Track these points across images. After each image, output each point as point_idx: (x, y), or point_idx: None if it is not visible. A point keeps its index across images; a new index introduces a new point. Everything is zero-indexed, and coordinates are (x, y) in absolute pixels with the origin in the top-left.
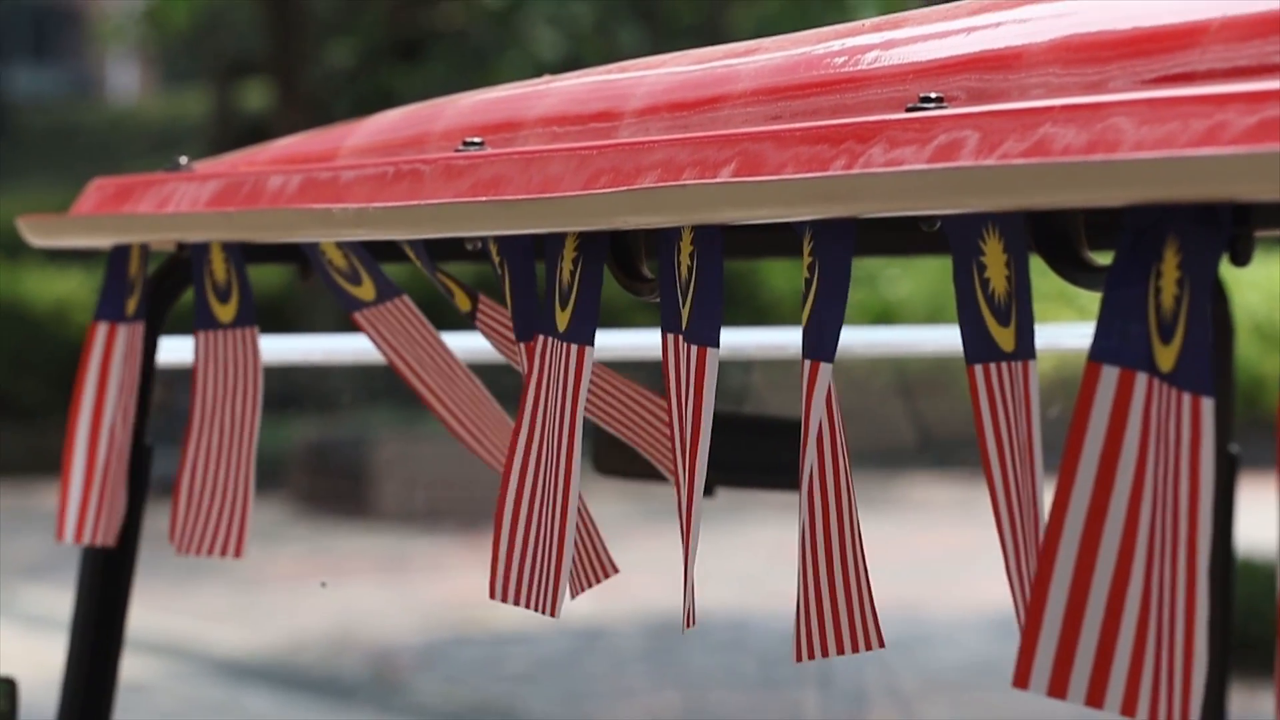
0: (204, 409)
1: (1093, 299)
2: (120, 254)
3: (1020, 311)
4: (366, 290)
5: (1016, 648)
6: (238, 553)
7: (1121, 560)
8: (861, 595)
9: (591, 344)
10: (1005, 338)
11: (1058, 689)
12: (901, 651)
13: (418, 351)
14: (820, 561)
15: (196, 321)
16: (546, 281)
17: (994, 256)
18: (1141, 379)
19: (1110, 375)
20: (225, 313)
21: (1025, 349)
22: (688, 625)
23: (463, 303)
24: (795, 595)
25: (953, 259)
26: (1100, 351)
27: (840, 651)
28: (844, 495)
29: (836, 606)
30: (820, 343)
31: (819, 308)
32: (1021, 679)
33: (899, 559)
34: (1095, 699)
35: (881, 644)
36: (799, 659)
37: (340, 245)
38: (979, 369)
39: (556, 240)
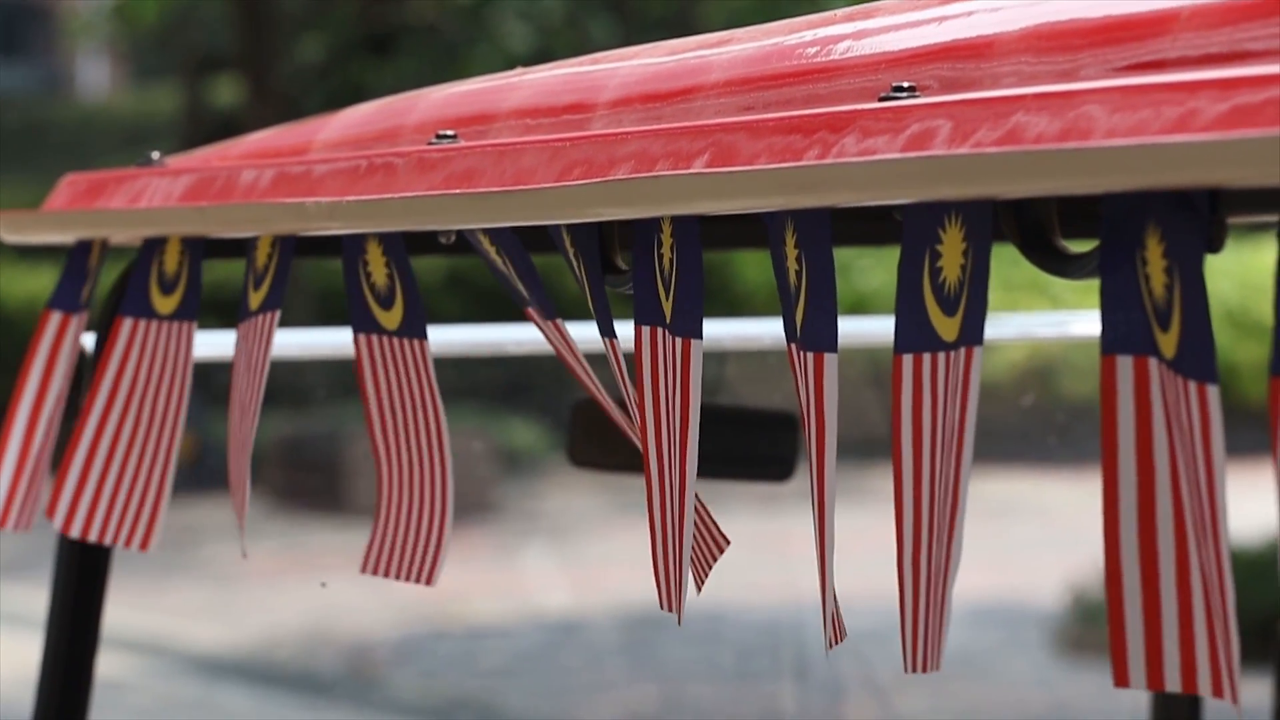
0: (120, 396)
1: (1066, 288)
2: (83, 247)
3: (971, 300)
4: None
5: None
6: (144, 545)
7: (1179, 543)
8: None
9: (615, 335)
10: (948, 327)
11: (1155, 681)
12: (877, 643)
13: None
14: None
15: (125, 308)
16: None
17: (951, 245)
18: (1154, 364)
19: (1125, 365)
20: (166, 305)
21: (971, 336)
22: (674, 608)
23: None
24: (822, 585)
25: (902, 246)
26: (1111, 344)
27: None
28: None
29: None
30: (822, 334)
31: (814, 300)
32: (1121, 678)
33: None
34: (1189, 684)
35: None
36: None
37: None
38: (908, 359)
39: (558, 238)
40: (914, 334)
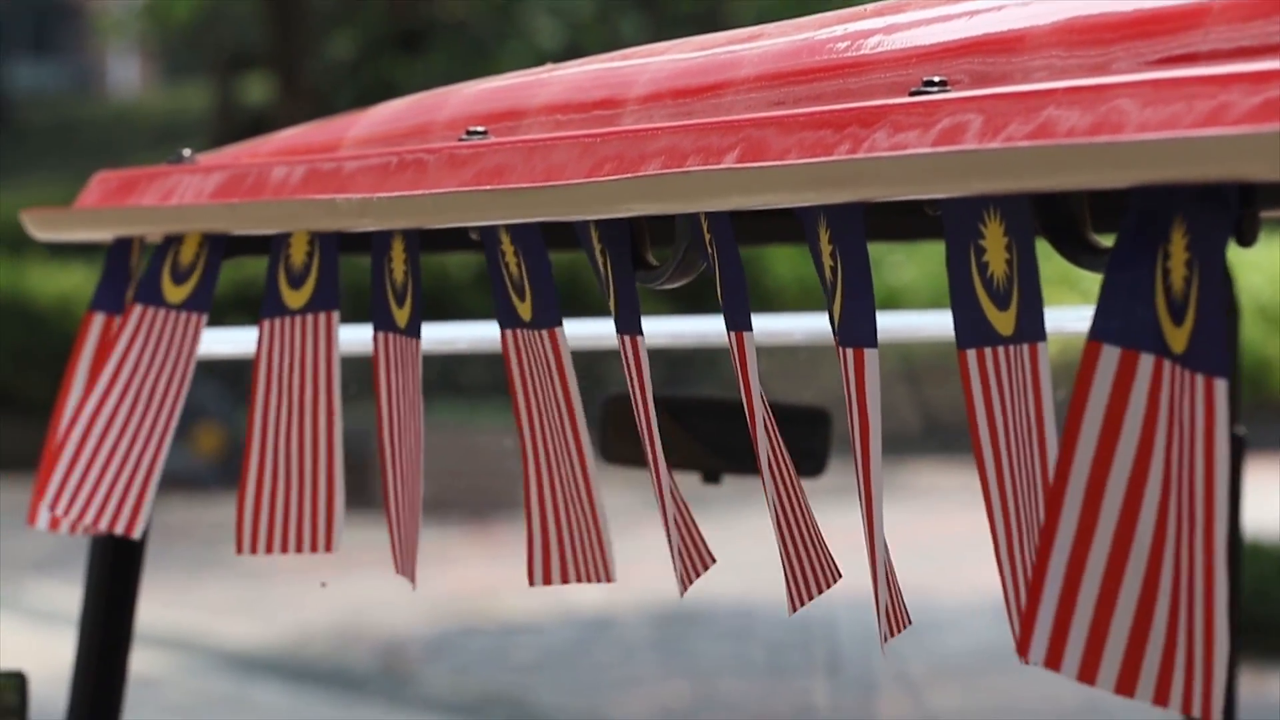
0: (120, 380)
1: (1096, 282)
2: (121, 247)
3: (1024, 294)
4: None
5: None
6: (129, 531)
7: (1119, 540)
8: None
9: (640, 332)
10: (1003, 321)
11: (1053, 661)
12: (909, 637)
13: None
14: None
15: (137, 295)
16: (595, 274)
17: (994, 240)
18: (1147, 360)
19: (1111, 355)
20: (176, 294)
21: (1030, 332)
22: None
23: None
24: (874, 579)
25: (947, 243)
26: (1100, 331)
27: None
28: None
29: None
30: (860, 329)
31: (850, 295)
32: (1023, 650)
33: (905, 545)
34: (1125, 688)
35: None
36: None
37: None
38: (971, 354)
39: (585, 234)
40: (971, 330)
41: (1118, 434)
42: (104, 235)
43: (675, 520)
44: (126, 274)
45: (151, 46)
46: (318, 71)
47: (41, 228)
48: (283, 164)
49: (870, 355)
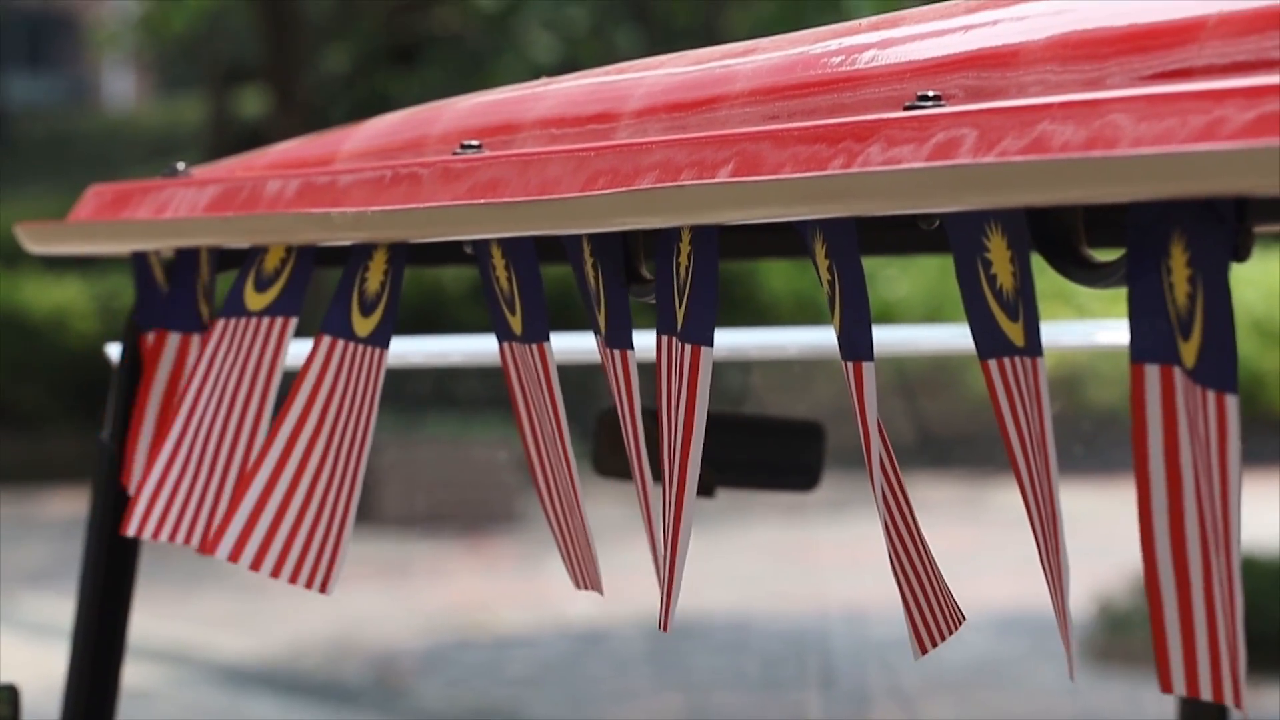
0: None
1: (1091, 296)
2: (143, 261)
3: (1027, 307)
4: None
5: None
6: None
7: (1204, 552)
8: (941, 577)
9: (631, 347)
10: (1016, 332)
11: (1191, 687)
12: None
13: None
14: (914, 556)
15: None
16: (579, 288)
17: (999, 253)
18: (1178, 373)
19: (1153, 374)
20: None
21: (1034, 346)
22: (663, 628)
23: None
24: (900, 596)
25: (955, 257)
26: (1140, 353)
27: (951, 633)
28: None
29: (937, 594)
30: (859, 343)
31: (848, 309)
32: (1165, 683)
33: None
34: (1218, 693)
35: (963, 618)
36: (922, 653)
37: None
38: (994, 364)
39: (575, 246)
40: (989, 340)
41: (1178, 450)
42: (98, 249)
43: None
44: (156, 286)
45: (146, 59)
46: (313, 85)
47: (36, 241)
48: (277, 178)
49: (868, 369)
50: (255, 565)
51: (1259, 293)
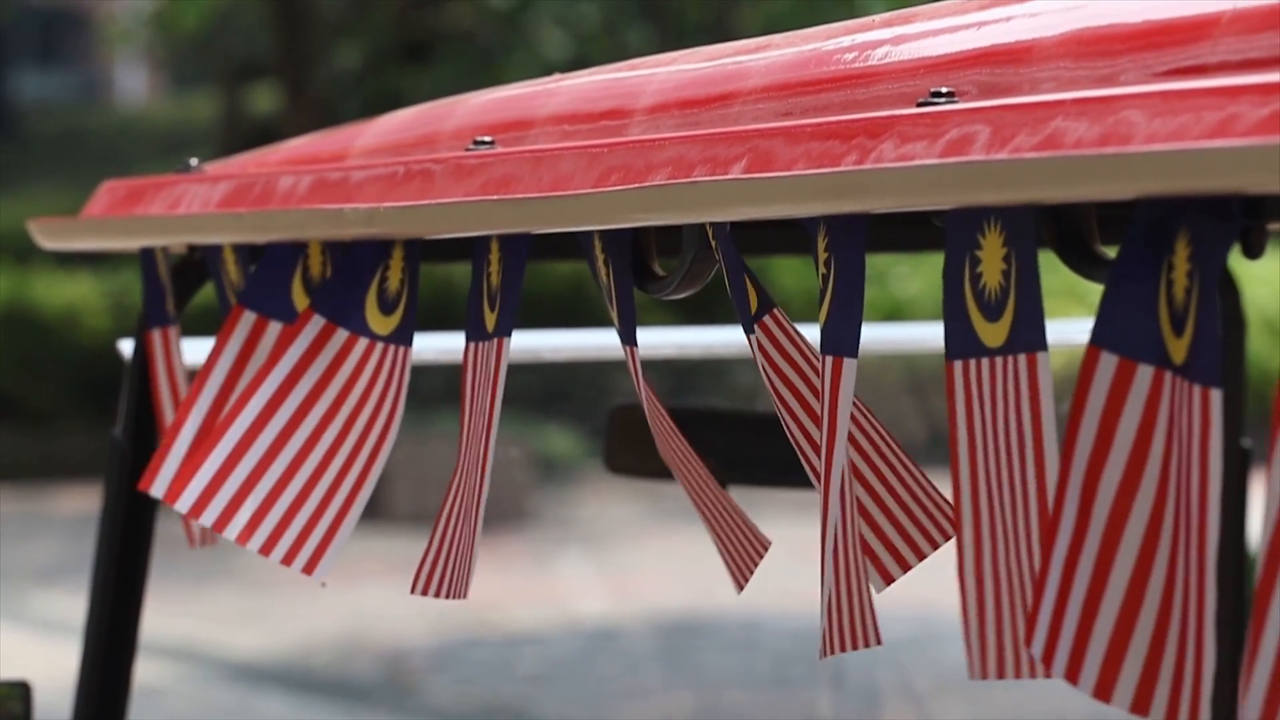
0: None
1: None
2: (149, 258)
3: (1020, 306)
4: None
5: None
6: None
7: (1105, 547)
8: (865, 592)
9: (635, 343)
10: (991, 333)
11: (1072, 675)
12: (915, 650)
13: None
14: (851, 559)
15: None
16: (597, 285)
17: (991, 250)
18: (1145, 371)
19: (1109, 362)
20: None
21: (1022, 343)
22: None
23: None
24: (822, 593)
25: (946, 252)
26: (1100, 337)
27: (864, 646)
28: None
29: (860, 604)
30: (842, 338)
31: (838, 303)
32: (1047, 660)
33: None
34: (1103, 693)
35: (880, 641)
36: (825, 655)
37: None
38: (958, 365)
39: (587, 243)
40: (958, 341)
41: (1110, 442)
42: (111, 245)
43: (716, 518)
44: (161, 284)
45: (159, 56)
46: (325, 81)
47: (48, 237)
48: (290, 174)
49: (849, 365)
50: (242, 539)
51: (1271, 290)
